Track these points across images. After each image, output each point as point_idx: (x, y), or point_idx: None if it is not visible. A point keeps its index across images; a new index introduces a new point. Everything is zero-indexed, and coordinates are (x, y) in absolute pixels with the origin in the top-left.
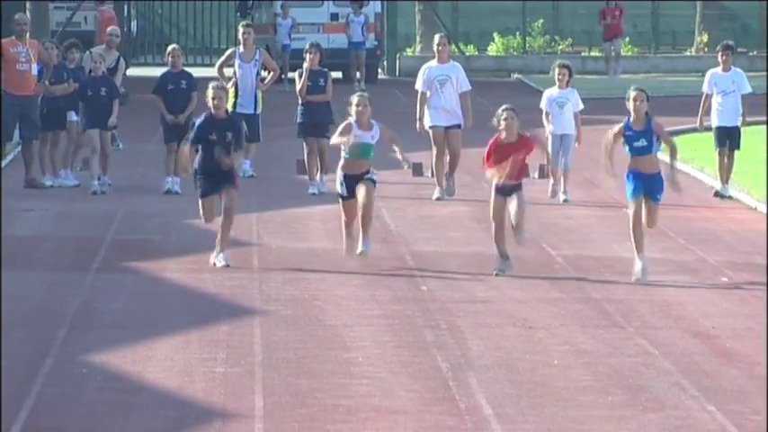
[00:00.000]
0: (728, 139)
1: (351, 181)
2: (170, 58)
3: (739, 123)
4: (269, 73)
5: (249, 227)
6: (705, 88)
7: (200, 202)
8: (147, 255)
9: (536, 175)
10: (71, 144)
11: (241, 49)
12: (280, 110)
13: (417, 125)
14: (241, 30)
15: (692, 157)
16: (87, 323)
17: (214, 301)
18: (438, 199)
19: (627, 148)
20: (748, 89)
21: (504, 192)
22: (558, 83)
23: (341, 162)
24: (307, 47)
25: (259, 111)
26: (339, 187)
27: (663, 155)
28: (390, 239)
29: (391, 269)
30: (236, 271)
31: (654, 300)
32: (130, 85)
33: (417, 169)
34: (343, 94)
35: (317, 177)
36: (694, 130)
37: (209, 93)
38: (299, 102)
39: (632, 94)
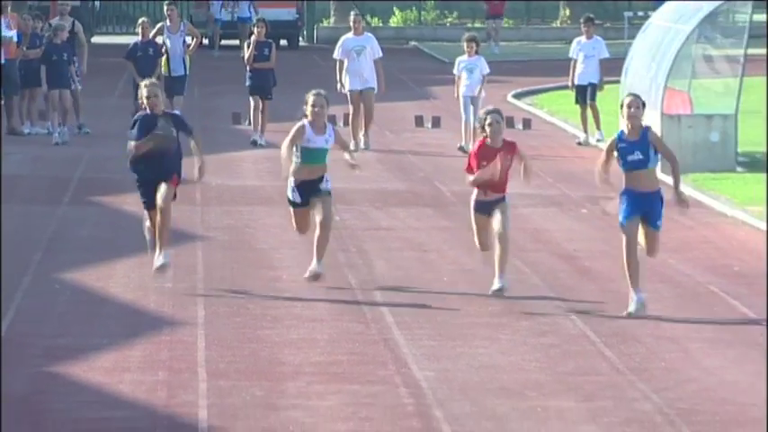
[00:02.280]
0: (588, 93)
1: (304, 188)
2: (140, 29)
3: (597, 81)
4: (193, 40)
5: (193, 167)
6: (571, 54)
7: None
8: (108, 191)
9: (429, 125)
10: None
11: (168, 23)
12: (213, 71)
13: (338, 86)
14: (165, 7)
15: (557, 109)
16: (59, 247)
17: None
18: (355, 150)
19: (620, 163)
20: (606, 54)
21: (484, 209)
22: (467, 52)
23: (292, 167)
24: (254, 21)
25: (187, 72)
26: (291, 193)
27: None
28: None
29: None
30: (182, 204)
31: (525, 228)
32: (97, 51)
33: (236, 118)
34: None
35: (258, 131)
36: (559, 87)
37: (143, 92)
38: (248, 68)
39: (626, 100)
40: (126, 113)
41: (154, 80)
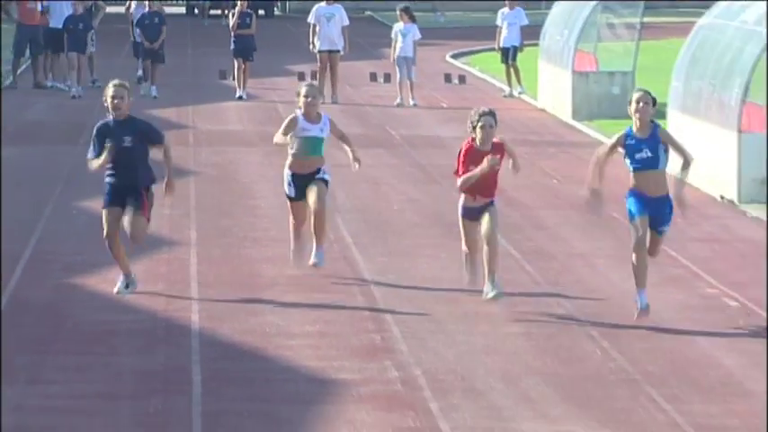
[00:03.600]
0: (510, 54)
1: (300, 181)
2: (147, 2)
3: (518, 44)
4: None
5: (186, 115)
6: (497, 22)
7: (103, 212)
8: None
9: (381, 80)
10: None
11: None
12: (202, 37)
13: (310, 47)
14: None
15: (486, 68)
16: (76, 180)
17: (161, 166)
18: (322, 102)
19: (628, 161)
20: (526, 22)
21: (472, 214)
22: (401, 21)
23: (288, 160)
24: None
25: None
26: (287, 187)
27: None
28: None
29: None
30: (178, 146)
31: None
32: (108, 19)
33: (222, 74)
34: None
35: (241, 87)
36: (488, 49)
37: (110, 91)
38: (232, 34)
39: (635, 95)
40: (132, 71)
41: (124, 82)
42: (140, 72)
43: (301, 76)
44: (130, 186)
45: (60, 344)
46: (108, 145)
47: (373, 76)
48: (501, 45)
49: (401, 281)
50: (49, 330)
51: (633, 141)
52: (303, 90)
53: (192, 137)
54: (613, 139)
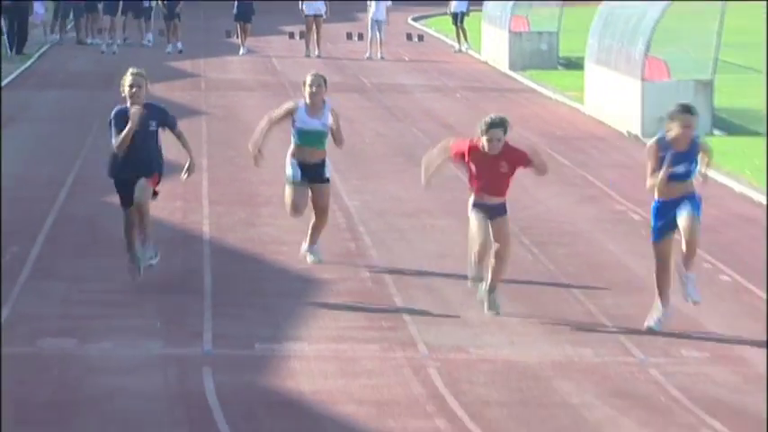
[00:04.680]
0: (459, 18)
1: (304, 169)
2: None
3: (465, 10)
4: None
5: (199, 66)
6: None
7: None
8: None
9: (356, 39)
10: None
11: None
12: (211, 5)
13: (301, 12)
14: None
15: (440, 29)
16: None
17: (181, 107)
18: (307, 56)
19: (660, 172)
20: None
21: (483, 210)
22: None
23: (291, 148)
24: None
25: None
26: (291, 169)
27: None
28: (276, 73)
29: (277, 88)
30: (192, 90)
31: (420, 107)
32: None
33: (228, 33)
34: None
35: (242, 45)
36: (442, 14)
37: (128, 80)
38: (235, 2)
39: (683, 118)
40: (161, 36)
41: (141, 71)
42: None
43: (291, 35)
44: (143, 169)
45: (97, 250)
46: (133, 111)
47: (349, 36)
48: (452, 10)
49: (372, 199)
50: (88, 239)
51: (670, 155)
52: (308, 79)
53: (203, 84)
54: (650, 153)
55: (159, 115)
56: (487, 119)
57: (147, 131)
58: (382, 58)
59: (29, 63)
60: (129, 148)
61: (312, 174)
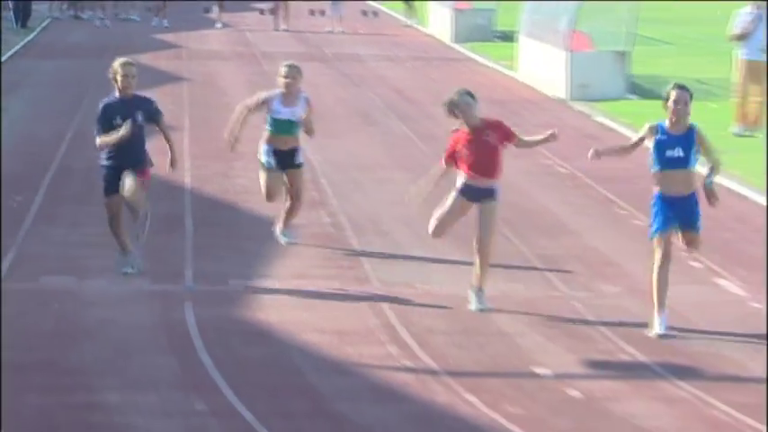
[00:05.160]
0: None
1: (278, 156)
2: None
3: None
4: None
5: (181, 38)
6: None
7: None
8: (134, 50)
9: (318, 15)
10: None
11: None
12: None
13: None
14: None
15: (392, 7)
16: (104, 85)
17: (165, 74)
18: (276, 30)
19: (654, 159)
20: None
21: (470, 194)
22: None
23: (265, 134)
24: None
25: None
26: (265, 156)
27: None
28: (249, 45)
29: (249, 57)
30: (174, 60)
31: (374, 74)
32: None
33: (206, 9)
34: None
35: (219, 19)
36: None
37: (120, 70)
38: None
39: (674, 93)
40: (148, 12)
41: (131, 60)
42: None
43: (261, 12)
44: (132, 159)
45: (93, 198)
46: (123, 123)
47: (312, 12)
48: None
49: (332, 154)
50: (85, 189)
51: (665, 137)
52: (284, 70)
53: (185, 54)
54: (641, 132)
55: (147, 107)
56: (454, 93)
57: (134, 123)
58: (342, 32)
59: (32, 36)
60: (117, 143)
61: (285, 160)
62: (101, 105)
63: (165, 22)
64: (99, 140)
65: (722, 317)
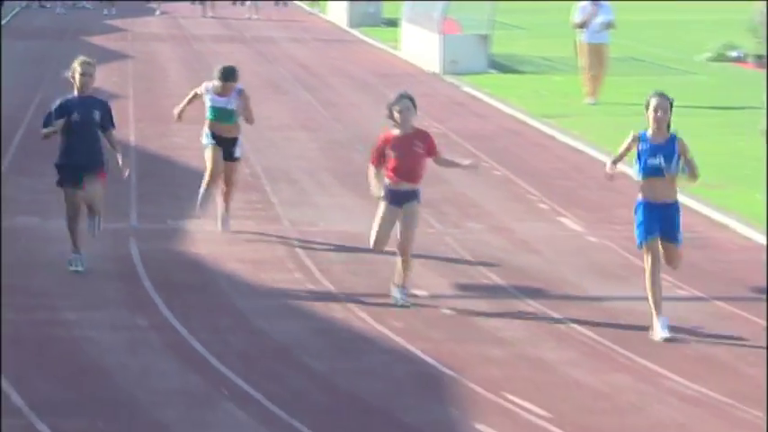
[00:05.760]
0: None
1: (218, 139)
2: None
3: None
4: None
5: (127, 24)
6: None
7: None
8: (89, 33)
9: (239, 5)
10: None
11: None
12: None
13: None
14: None
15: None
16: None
17: (114, 52)
18: (203, 17)
19: (637, 167)
20: None
21: (394, 199)
22: None
23: (206, 121)
24: None
25: None
26: (205, 139)
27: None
28: (182, 29)
29: (182, 39)
30: (121, 41)
31: (284, 53)
32: None
33: None
34: None
35: (158, 7)
36: None
37: (78, 68)
38: None
39: (653, 101)
40: (100, 1)
41: (91, 59)
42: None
43: (192, 1)
44: (89, 159)
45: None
46: (78, 119)
47: (234, 2)
48: None
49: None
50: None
51: (647, 146)
52: (217, 73)
53: (130, 36)
54: (625, 143)
55: (102, 109)
56: (394, 95)
57: (90, 120)
58: (258, 18)
59: (4, 21)
60: (71, 136)
61: (225, 150)
62: (58, 102)
63: (114, 11)
64: (45, 130)
65: (564, 248)
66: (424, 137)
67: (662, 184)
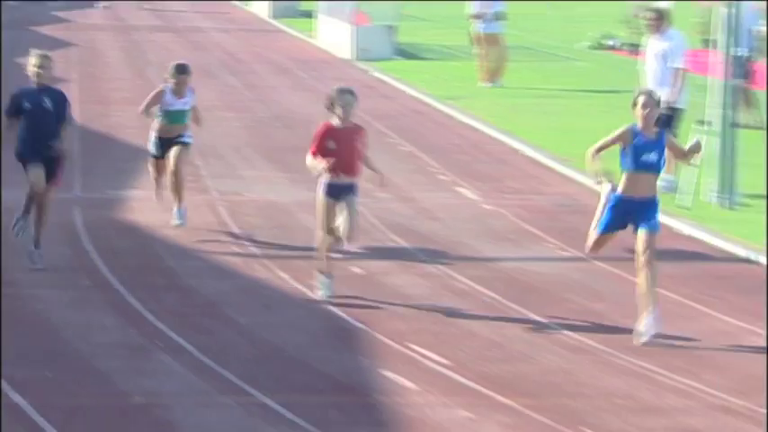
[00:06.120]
0: None
1: (165, 143)
2: None
3: None
4: None
5: (72, 15)
6: None
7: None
8: (38, 24)
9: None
10: None
11: None
12: None
13: None
14: None
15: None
16: (15, 50)
17: (60, 41)
18: (140, 8)
19: (628, 161)
20: None
21: (333, 192)
22: None
23: (155, 124)
24: None
25: None
26: (152, 147)
27: None
28: (121, 20)
29: (122, 29)
30: (67, 30)
31: (212, 42)
32: None
33: None
34: None
35: (99, 1)
36: None
37: (34, 61)
38: None
39: (640, 99)
40: None
41: (47, 53)
42: None
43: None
44: (50, 152)
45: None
46: (32, 108)
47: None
48: None
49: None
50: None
51: (642, 141)
52: (171, 70)
53: (74, 26)
54: (616, 134)
55: (58, 99)
56: (335, 89)
57: (43, 109)
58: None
59: None
60: (29, 127)
61: (170, 144)
62: (17, 91)
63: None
64: (5, 119)
65: (461, 215)
66: (360, 134)
67: (648, 180)
